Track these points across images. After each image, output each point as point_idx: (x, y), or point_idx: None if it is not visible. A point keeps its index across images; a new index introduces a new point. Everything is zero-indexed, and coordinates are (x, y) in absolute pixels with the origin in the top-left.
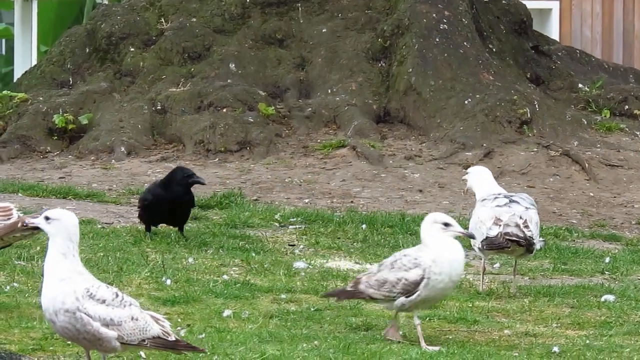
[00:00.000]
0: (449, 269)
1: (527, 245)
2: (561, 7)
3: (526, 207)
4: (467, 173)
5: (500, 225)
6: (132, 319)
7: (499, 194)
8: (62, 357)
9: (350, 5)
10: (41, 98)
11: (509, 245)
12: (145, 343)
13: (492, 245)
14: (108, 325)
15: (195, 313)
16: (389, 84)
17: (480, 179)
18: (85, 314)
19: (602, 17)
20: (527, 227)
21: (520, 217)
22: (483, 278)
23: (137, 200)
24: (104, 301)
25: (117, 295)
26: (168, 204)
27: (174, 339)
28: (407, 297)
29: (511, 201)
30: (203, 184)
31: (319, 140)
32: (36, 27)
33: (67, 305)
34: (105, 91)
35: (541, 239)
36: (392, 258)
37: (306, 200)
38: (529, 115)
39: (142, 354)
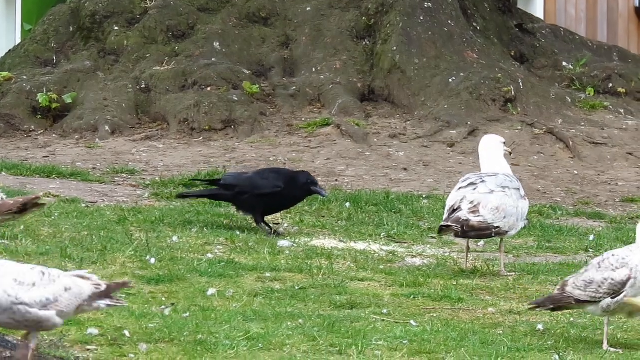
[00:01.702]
0: None
1: (462, 231)
2: None
3: (490, 190)
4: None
5: (446, 211)
6: (66, 289)
7: (474, 174)
8: (46, 336)
9: None
10: (25, 77)
11: (440, 232)
12: (85, 305)
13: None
14: (46, 306)
15: (179, 292)
16: (373, 63)
17: (482, 153)
18: (21, 304)
19: None
20: (475, 212)
21: (471, 202)
22: (467, 256)
23: (256, 186)
24: (34, 284)
25: (43, 274)
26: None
27: (104, 287)
28: (612, 297)
29: (474, 183)
30: (323, 196)
31: (303, 119)
32: (20, 6)
33: (2, 305)
34: (90, 70)
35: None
36: (600, 258)
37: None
38: (513, 93)
39: (127, 332)
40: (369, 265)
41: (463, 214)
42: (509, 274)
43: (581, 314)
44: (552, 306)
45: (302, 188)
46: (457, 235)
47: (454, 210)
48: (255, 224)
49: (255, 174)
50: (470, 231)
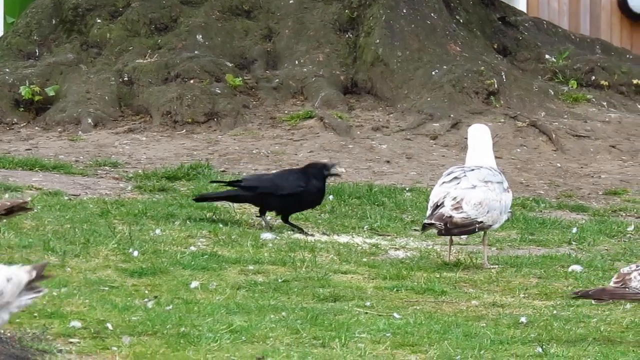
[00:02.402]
0: None
1: (445, 228)
2: None
3: (473, 185)
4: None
5: (430, 207)
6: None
7: (457, 168)
8: (29, 329)
9: None
10: (7, 69)
11: (424, 230)
12: None
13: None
14: None
15: (162, 284)
16: (356, 55)
17: (470, 142)
18: None
19: None
20: (458, 208)
21: (454, 199)
22: (450, 249)
23: (270, 186)
24: None
25: None
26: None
27: None
28: None
29: (457, 177)
30: (339, 174)
31: (286, 112)
32: None
33: None
34: (72, 63)
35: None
36: None
37: (273, 172)
38: (496, 86)
39: (110, 325)
40: (352, 258)
41: (446, 210)
42: (492, 266)
43: (564, 307)
44: (609, 300)
45: (321, 179)
46: (440, 234)
47: (437, 206)
48: (259, 215)
49: (276, 175)
50: (453, 228)
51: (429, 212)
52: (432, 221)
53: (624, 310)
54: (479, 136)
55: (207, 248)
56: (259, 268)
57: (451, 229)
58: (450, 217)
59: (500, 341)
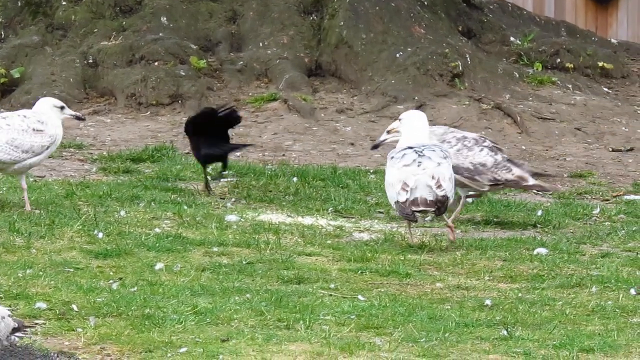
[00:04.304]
0: None
1: (438, 208)
2: None
3: (438, 163)
4: (399, 120)
5: (407, 191)
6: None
7: (410, 147)
8: None
9: None
10: None
11: (416, 219)
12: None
13: (403, 215)
14: None
15: (127, 266)
16: (320, 38)
17: (409, 128)
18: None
19: None
20: (439, 186)
21: (432, 177)
22: (411, 231)
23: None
24: None
25: None
26: None
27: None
28: None
29: (420, 156)
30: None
31: (250, 94)
32: None
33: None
34: (37, 45)
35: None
36: None
37: (238, 154)
38: (460, 68)
39: (75, 306)
40: (316, 240)
41: (429, 191)
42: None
43: (529, 290)
44: None
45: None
46: (437, 214)
47: (414, 189)
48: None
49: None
50: (441, 207)
51: (408, 197)
52: (421, 208)
53: (590, 294)
54: (416, 124)
55: (171, 230)
56: (224, 250)
57: (440, 207)
58: (435, 196)
59: (465, 324)
